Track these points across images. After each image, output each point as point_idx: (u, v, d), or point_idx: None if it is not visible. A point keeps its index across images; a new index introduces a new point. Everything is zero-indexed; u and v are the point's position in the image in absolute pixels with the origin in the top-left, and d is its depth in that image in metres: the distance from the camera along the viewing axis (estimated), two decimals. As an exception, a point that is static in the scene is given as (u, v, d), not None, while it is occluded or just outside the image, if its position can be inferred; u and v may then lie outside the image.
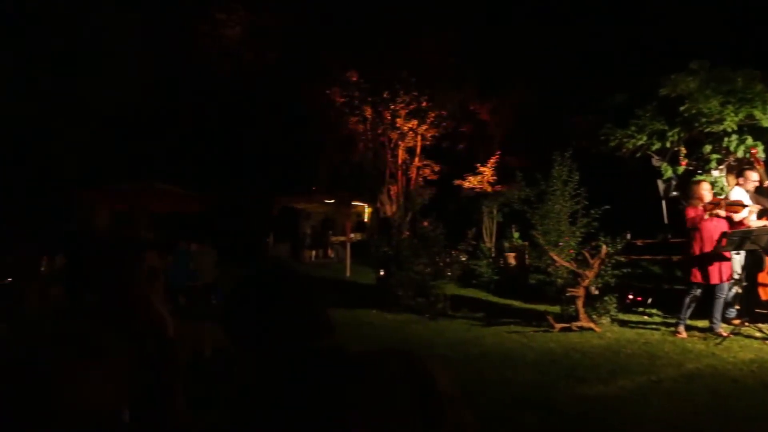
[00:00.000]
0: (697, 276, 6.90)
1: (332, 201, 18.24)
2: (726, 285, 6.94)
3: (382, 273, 11.02)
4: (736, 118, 8.35)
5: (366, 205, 20.01)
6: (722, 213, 6.95)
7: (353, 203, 18.76)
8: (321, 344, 1.26)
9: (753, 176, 7.50)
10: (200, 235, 11.23)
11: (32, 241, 7.96)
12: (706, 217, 6.90)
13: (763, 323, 6.91)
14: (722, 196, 7.87)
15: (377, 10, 15.32)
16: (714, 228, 6.87)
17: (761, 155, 8.38)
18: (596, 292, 8.10)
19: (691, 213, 6.98)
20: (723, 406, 4.45)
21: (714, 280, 6.81)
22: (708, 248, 6.84)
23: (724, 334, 6.65)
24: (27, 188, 12.49)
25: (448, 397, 1.20)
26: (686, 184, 8.14)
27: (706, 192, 7.07)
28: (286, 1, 16.74)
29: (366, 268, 13.49)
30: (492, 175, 16.21)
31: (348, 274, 14.85)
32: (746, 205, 7.12)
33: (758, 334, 6.61)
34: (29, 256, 7.68)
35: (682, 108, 8.82)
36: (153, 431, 2.80)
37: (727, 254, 6.88)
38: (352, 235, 17.27)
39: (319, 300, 1.33)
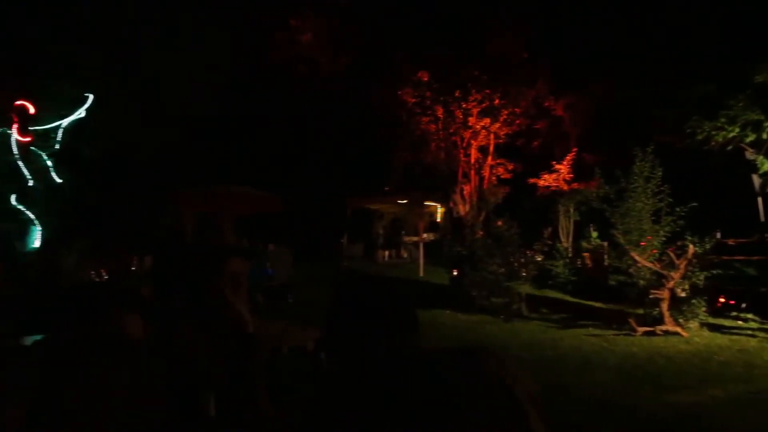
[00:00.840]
0: None
1: (405, 201, 18.29)
2: None
3: (455, 273, 10.94)
4: (843, 106, 7.70)
5: (438, 205, 19.92)
6: None
7: (426, 203, 18.73)
8: (407, 343, 1.30)
9: None
10: (276, 236, 11.58)
11: (124, 242, 8.48)
12: None
13: None
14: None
15: (448, 8, 15.22)
16: None
17: None
18: (683, 295, 7.67)
19: None
20: (829, 419, 4.11)
21: None
22: None
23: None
24: (120, 192, 13.37)
25: (529, 398, 1.18)
26: None
27: None
28: (356, 4, 16.96)
29: (439, 268, 13.43)
30: (568, 173, 15.71)
31: (421, 274, 14.84)
32: None
33: None
34: (122, 255, 8.21)
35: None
36: (238, 423, 2.93)
37: None
38: (425, 235, 17.24)
39: (408, 300, 1.38)
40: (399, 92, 15.66)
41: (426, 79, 15.55)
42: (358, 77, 16.69)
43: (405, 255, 19.11)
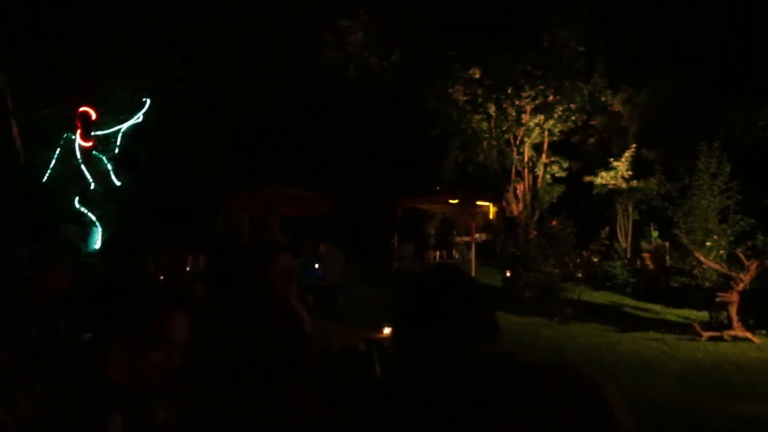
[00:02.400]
0: None
1: (456, 201, 18.10)
2: None
3: (508, 274, 10.72)
4: None
5: (491, 205, 19.61)
6: None
7: (478, 203, 18.49)
8: (488, 349, 1.20)
9: None
10: (328, 236, 11.66)
11: (180, 241, 8.71)
12: None
13: None
14: None
15: (499, 2, 14.96)
16: None
17: None
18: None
19: None
20: None
21: None
22: None
23: None
24: (176, 192, 13.81)
25: (620, 419, 1.10)
26: None
27: None
28: (406, 2, 16.91)
29: (491, 269, 13.21)
30: (627, 170, 15.15)
31: (473, 275, 14.65)
32: None
33: None
34: (178, 254, 8.42)
35: None
36: (286, 421, 2.91)
37: None
38: (477, 236, 17.01)
39: (487, 302, 1.30)
40: (450, 90, 15.50)
41: (477, 76, 15.33)
42: (409, 76, 16.64)
43: (456, 256, 18.94)
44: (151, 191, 12.64)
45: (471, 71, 15.26)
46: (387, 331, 6.35)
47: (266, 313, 3.44)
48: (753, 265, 6.95)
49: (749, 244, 7.43)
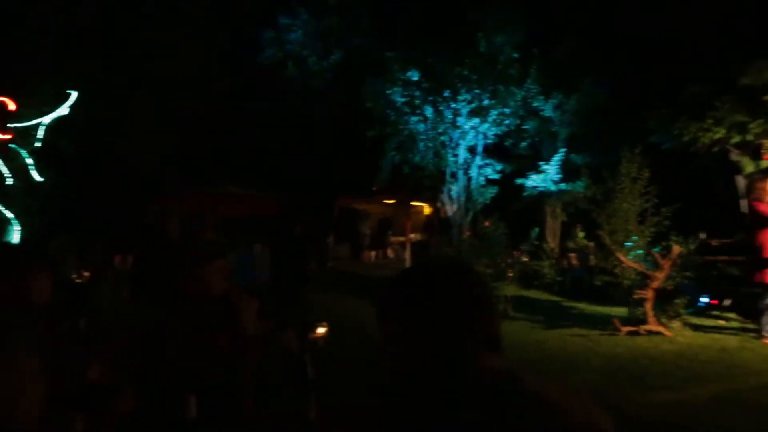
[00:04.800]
0: None
1: (392, 201, 18.27)
2: None
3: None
4: (827, 109, 7.77)
5: (426, 205, 19.92)
6: None
7: (413, 203, 18.73)
8: (489, 365, 1.04)
9: None
10: (263, 236, 11.50)
11: (107, 240, 8.38)
12: None
13: None
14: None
15: (438, 7, 15.21)
16: None
17: None
18: (666, 295, 7.72)
19: (765, 209, 6.56)
20: (809, 419, 4.14)
21: None
22: None
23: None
24: (105, 189, 13.21)
25: None
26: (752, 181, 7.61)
27: None
28: (347, 2, 16.91)
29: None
30: (556, 174, 15.76)
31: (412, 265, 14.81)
32: None
33: None
34: (105, 253, 8.09)
35: (765, 98, 8.27)
36: (220, 425, 2.87)
37: None
38: (412, 236, 17.25)
39: (493, 307, 1.11)
40: (388, 92, 15.63)
41: (416, 78, 15.53)
42: (348, 76, 16.64)
43: (392, 255, 19.11)
44: (77, 187, 12.05)
45: (409, 73, 15.45)
46: (321, 331, 6.35)
47: (201, 313, 3.38)
48: (667, 264, 7.42)
49: (664, 244, 7.92)
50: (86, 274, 7.55)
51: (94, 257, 7.76)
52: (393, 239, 19.43)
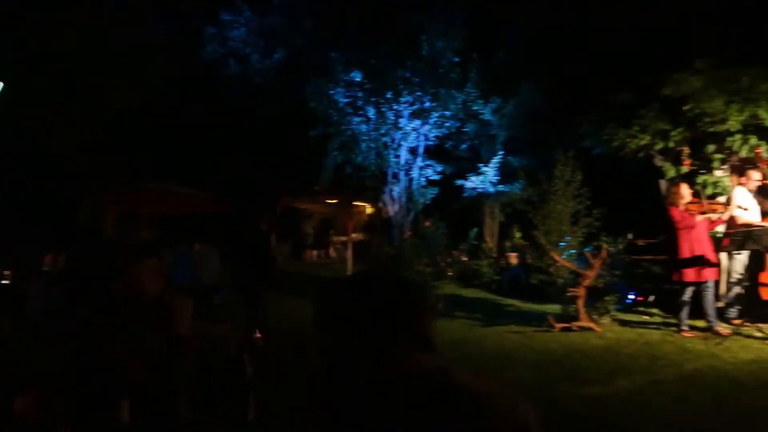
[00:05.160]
0: (689, 275, 6.93)
1: (335, 201, 18.25)
2: (712, 282, 6.98)
3: (383, 273, 10.96)
4: (740, 118, 8.32)
5: (368, 205, 20.02)
6: (716, 214, 7.01)
7: (355, 203, 18.78)
8: (421, 362, 1.11)
9: (755, 176, 7.51)
10: (204, 235, 11.25)
11: (37, 239, 7.99)
12: (699, 218, 6.96)
13: (763, 323, 6.89)
14: (724, 197, 7.87)
15: (383, 9, 15.31)
16: (700, 228, 6.94)
17: (766, 155, 8.36)
18: (597, 293, 8.09)
19: (676, 214, 7.02)
20: (722, 406, 4.44)
21: (704, 278, 6.86)
22: (697, 247, 6.88)
23: (724, 333, 6.67)
24: (36, 186, 12.54)
25: None
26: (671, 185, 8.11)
27: (687, 193, 7.15)
28: (292, 1, 16.76)
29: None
30: (495, 175, 16.19)
31: (349, 273, 14.86)
32: (737, 206, 7.14)
33: (758, 334, 6.60)
34: (33, 253, 7.72)
35: (685, 107, 8.78)
36: (153, 429, 2.82)
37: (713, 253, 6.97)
38: (353, 235, 17.28)
39: (421, 309, 1.19)
40: (331, 92, 15.61)
41: (359, 79, 15.58)
42: (291, 76, 16.50)
43: (333, 255, 19.10)
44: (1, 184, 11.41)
45: (352, 74, 15.49)
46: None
47: (133, 313, 3.30)
48: (597, 263, 7.78)
49: (594, 244, 8.29)
50: (7, 272, 7.18)
51: (20, 256, 7.40)
52: (335, 239, 19.42)
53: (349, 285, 1.22)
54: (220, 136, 17.56)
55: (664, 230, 7.99)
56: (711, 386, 4.95)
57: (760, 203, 7.58)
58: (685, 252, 6.93)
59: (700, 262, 6.88)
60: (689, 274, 6.93)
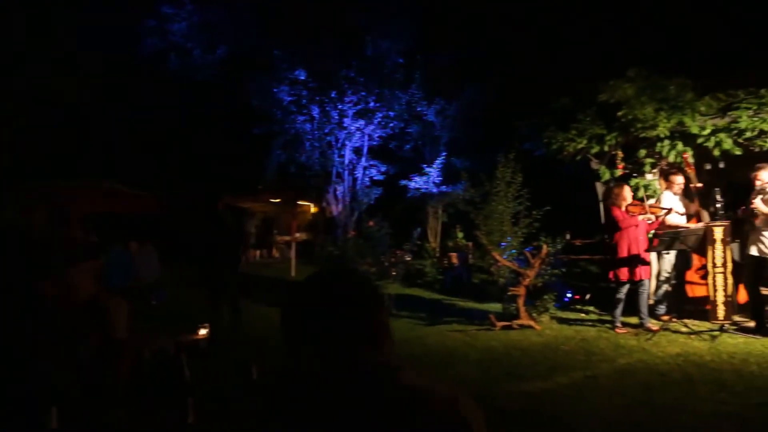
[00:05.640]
0: (625, 274, 7.24)
1: (278, 200, 18.02)
2: (647, 281, 7.34)
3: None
4: (668, 125, 8.72)
5: (312, 205, 19.87)
6: (652, 215, 7.34)
7: (299, 203, 18.60)
8: (374, 359, 1.13)
9: (678, 179, 7.91)
10: (142, 234, 10.88)
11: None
12: (641, 218, 7.28)
13: (689, 319, 7.27)
14: (654, 199, 8.25)
15: (329, 8, 15.26)
16: (639, 228, 7.27)
17: (691, 160, 8.81)
18: (536, 291, 8.32)
19: (619, 214, 7.33)
20: (651, 398, 4.66)
21: (638, 277, 7.19)
22: (634, 247, 7.20)
23: (654, 329, 7.01)
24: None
25: None
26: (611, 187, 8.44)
27: (628, 194, 7.49)
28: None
29: (311, 267, 13.37)
30: (438, 176, 16.41)
31: (293, 273, 14.70)
32: (668, 208, 7.50)
33: (684, 330, 6.95)
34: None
35: (619, 113, 9.13)
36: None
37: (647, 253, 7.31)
38: (297, 235, 17.12)
39: (375, 306, 1.21)
40: (275, 90, 15.41)
41: (303, 78, 15.45)
42: (234, 72, 16.18)
43: (277, 254, 18.85)
44: None
45: (296, 72, 15.34)
46: (203, 332, 6.13)
47: (65, 319, 3.14)
48: (537, 263, 8.01)
49: (534, 244, 8.53)
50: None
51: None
52: (278, 238, 19.16)
53: (313, 284, 1.25)
54: (159, 133, 17.00)
55: (603, 230, 8.32)
56: (641, 380, 5.18)
57: (685, 206, 8.00)
58: (623, 251, 7.24)
59: (636, 261, 7.20)
60: (625, 272, 7.24)
